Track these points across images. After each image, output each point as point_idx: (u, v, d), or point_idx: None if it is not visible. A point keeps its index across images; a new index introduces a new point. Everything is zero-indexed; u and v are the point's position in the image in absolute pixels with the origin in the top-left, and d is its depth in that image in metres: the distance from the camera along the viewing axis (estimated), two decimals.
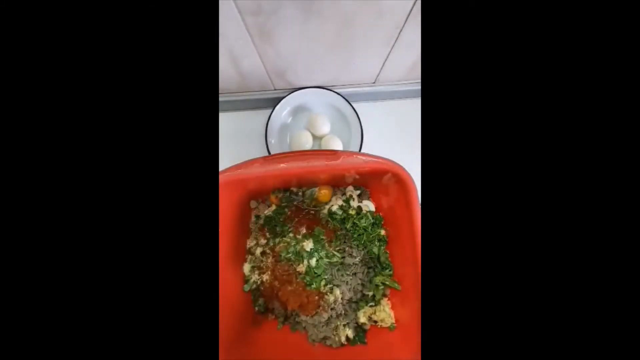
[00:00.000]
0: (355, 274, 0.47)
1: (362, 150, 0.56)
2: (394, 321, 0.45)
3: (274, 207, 0.50)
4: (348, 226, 0.48)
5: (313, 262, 0.45)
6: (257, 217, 0.51)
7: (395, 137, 0.61)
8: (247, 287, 0.48)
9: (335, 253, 0.47)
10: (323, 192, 0.49)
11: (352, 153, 0.40)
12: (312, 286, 0.45)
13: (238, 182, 0.40)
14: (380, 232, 0.49)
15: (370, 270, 0.48)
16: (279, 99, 0.57)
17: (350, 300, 0.47)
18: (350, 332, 0.46)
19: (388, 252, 0.48)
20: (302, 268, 0.45)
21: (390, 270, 0.47)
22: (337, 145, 0.56)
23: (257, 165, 0.38)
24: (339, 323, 0.46)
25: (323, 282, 0.45)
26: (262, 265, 0.48)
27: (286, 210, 0.50)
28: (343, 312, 0.46)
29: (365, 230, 0.48)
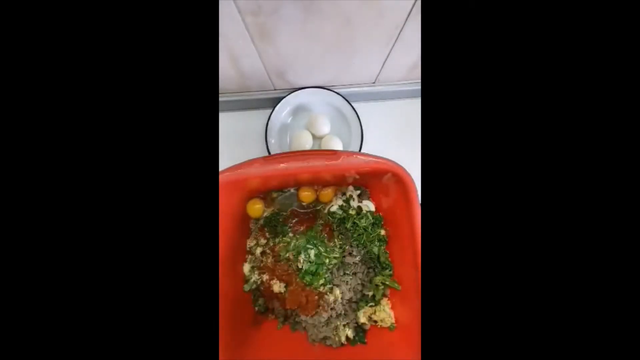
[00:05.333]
0: (355, 273, 0.47)
1: (362, 150, 0.56)
2: (394, 321, 0.45)
3: (273, 208, 0.50)
4: (348, 226, 0.48)
5: (312, 254, 0.45)
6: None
7: (395, 137, 0.61)
8: (247, 287, 0.48)
9: (335, 249, 0.47)
10: (325, 192, 0.49)
11: (352, 153, 0.40)
12: (312, 285, 0.45)
13: (238, 182, 0.40)
14: (380, 232, 0.49)
15: (370, 270, 0.48)
16: (279, 99, 0.57)
17: (350, 300, 0.47)
18: (350, 332, 0.46)
19: (388, 252, 0.48)
20: (300, 262, 0.45)
21: (390, 270, 0.47)
22: (337, 145, 0.56)
23: (257, 165, 0.38)
24: (338, 323, 0.46)
25: (322, 281, 0.45)
26: (262, 265, 0.48)
27: (283, 212, 0.50)
28: (343, 312, 0.46)
29: (365, 230, 0.48)
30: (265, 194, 0.50)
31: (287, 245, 0.47)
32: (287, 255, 0.46)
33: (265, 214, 0.50)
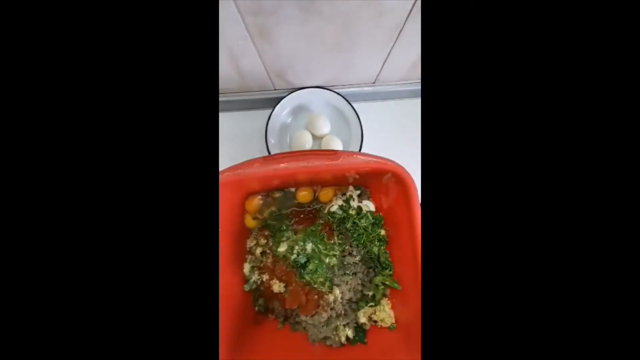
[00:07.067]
0: (355, 273, 0.47)
1: (362, 150, 0.56)
2: (394, 321, 0.45)
3: (272, 208, 0.50)
4: (348, 226, 0.48)
5: (308, 247, 0.45)
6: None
7: (395, 137, 0.61)
8: (247, 287, 0.48)
9: (335, 247, 0.47)
10: (324, 192, 0.49)
11: (352, 153, 0.40)
12: (310, 282, 0.45)
13: (238, 182, 0.40)
14: (380, 232, 0.49)
15: (370, 270, 0.48)
16: (279, 99, 0.57)
17: (350, 300, 0.47)
18: (350, 332, 0.46)
19: (388, 252, 0.48)
20: (295, 255, 0.45)
21: (390, 270, 0.47)
22: (337, 145, 0.56)
23: (257, 165, 0.38)
24: (338, 323, 0.45)
25: (321, 279, 0.45)
26: (262, 265, 0.48)
27: (283, 211, 0.50)
28: (343, 312, 0.46)
29: (365, 230, 0.48)
30: (264, 195, 0.50)
31: (280, 241, 0.47)
32: (282, 250, 0.46)
33: (265, 214, 0.50)
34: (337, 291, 0.46)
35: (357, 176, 0.46)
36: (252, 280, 0.48)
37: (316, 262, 0.45)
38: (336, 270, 0.47)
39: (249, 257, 0.49)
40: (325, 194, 0.49)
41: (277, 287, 0.46)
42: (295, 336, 0.46)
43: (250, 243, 0.50)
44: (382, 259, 0.47)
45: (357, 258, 0.48)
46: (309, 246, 0.46)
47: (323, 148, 0.56)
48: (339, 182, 0.50)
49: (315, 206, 0.50)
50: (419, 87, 0.61)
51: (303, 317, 0.46)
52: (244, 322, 0.46)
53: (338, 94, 0.58)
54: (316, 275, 0.45)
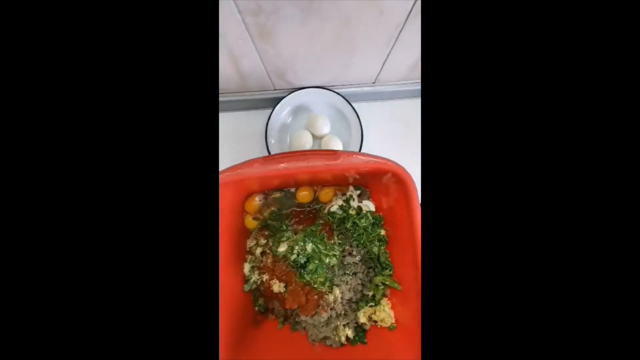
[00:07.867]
0: (355, 273, 0.47)
1: (362, 150, 0.56)
2: (394, 321, 0.45)
3: (272, 208, 0.50)
4: (348, 226, 0.48)
5: (308, 247, 0.45)
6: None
7: (395, 137, 0.61)
8: (247, 287, 0.48)
9: (335, 247, 0.47)
10: (324, 192, 0.49)
11: (352, 153, 0.40)
12: (310, 282, 0.45)
13: (238, 182, 0.40)
14: (380, 232, 0.49)
15: (370, 270, 0.48)
16: (279, 99, 0.57)
17: (350, 300, 0.47)
18: (350, 332, 0.46)
19: (388, 252, 0.48)
20: (295, 254, 0.45)
21: (390, 270, 0.47)
22: (337, 145, 0.56)
23: (257, 165, 0.38)
24: (338, 323, 0.46)
25: (321, 279, 0.45)
26: (262, 265, 0.48)
27: (283, 211, 0.50)
28: (343, 312, 0.46)
29: (365, 230, 0.48)
30: (264, 195, 0.50)
31: (280, 241, 0.47)
32: (282, 250, 0.46)
33: (265, 214, 0.50)
34: (337, 291, 0.46)
35: (357, 176, 0.46)
36: (252, 280, 0.48)
37: (316, 262, 0.45)
38: (336, 270, 0.47)
39: (249, 257, 0.49)
40: (325, 194, 0.49)
41: (277, 287, 0.46)
42: (295, 336, 0.46)
43: (250, 243, 0.50)
44: (382, 259, 0.47)
45: (357, 258, 0.48)
46: (309, 246, 0.46)
47: (323, 148, 0.56)
48: (339, 182, 0.50)
49: (315, 206, 0.50)
50: (419, 87, 0.61)
51: (303, 317, 0.46)
52: (244, 322, 0.46)
53: (338, 94, 0.58)
54: (316, 275, 0.45)
